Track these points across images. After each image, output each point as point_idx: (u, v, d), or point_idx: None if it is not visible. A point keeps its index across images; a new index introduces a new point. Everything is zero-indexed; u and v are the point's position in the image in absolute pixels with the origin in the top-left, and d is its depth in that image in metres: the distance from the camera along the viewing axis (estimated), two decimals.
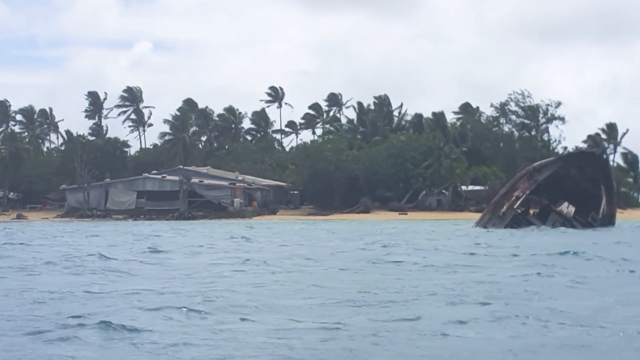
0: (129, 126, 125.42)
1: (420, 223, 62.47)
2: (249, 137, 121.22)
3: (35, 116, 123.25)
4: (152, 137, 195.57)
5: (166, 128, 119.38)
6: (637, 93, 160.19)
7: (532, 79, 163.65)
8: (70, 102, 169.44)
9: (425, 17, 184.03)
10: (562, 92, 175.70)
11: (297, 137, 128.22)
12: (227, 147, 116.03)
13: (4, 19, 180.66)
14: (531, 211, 44.31)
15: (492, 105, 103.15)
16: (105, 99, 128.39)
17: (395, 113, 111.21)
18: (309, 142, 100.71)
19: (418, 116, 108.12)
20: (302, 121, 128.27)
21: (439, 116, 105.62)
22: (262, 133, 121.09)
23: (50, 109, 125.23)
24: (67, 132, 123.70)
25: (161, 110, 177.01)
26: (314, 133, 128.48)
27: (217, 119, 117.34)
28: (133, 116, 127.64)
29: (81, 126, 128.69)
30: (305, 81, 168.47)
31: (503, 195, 43.33)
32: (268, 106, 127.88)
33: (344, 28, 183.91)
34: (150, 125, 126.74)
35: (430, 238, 35.05)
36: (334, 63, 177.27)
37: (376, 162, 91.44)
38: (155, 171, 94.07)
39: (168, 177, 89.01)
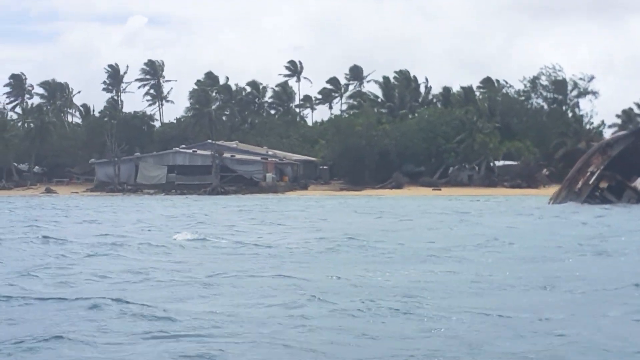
0: (147, 100, 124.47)
1: (469, 199, 61.58)
2: (272, 112, 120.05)
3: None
4: (169, 111, 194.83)
5: (184, 103, 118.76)
6: (632, 69, 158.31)
7: (526, 55, 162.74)
8: (64, 77, 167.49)
9: None
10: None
11: (312, 111, 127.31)
12: (250, 121, 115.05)
13: None
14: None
15: (523, 79, 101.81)
16: (125, 72, 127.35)
17: (421, 88, 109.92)
18: (340, 116, 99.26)
19: (446, 90, 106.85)
20: (319, 96, 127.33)
21: (467, 90, 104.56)
22: (285, 107, 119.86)
23: (67, 83, 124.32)
24: (84, 105, 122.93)
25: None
26: (331, 108, 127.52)
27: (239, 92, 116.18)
28: (149, 90, 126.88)
29: (90, 100, 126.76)
30: (299, 57, 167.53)
31: (577, 170, 42.39)
32: (286, 80, 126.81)
33: (337, 4, 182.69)
34: (169, 100, 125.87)
35: (539, 220, 32.11)
36: (327, 39, 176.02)
37: (407, 136, 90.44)
38: (183, 145, 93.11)
39: (199, 152, 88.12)
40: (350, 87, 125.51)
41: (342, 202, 57.61)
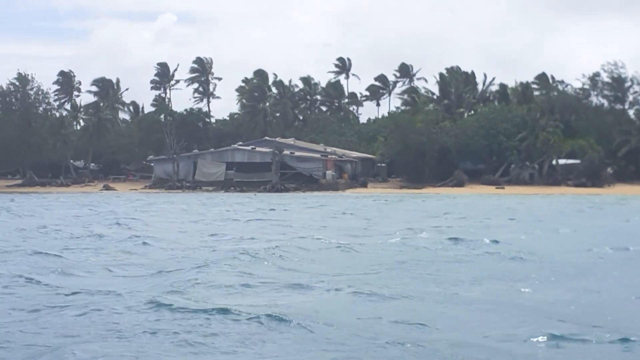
0: (194, 97, 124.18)
1: (564, 199, 60.11)
2: (323, 109, 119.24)
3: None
4: (217, 108, 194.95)
5: (232, 99, 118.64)
6: None
7: (555, 50, 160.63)
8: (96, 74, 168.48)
9: None
10: (586, 65, 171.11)
11: (357, 108, 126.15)
12: (302, 118, 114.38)
13: None
14: None
15: (582, 77, 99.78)
16: (175, 69, 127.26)
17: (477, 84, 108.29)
18: (398, 113, 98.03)
19: (502, 87, 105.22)
20: (367, 93, 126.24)
21: (525, 87, 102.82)
22: (336, 104, 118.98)
23: (118, 79, 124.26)
24: (133, 103, 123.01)
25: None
26: (378, 105, 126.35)
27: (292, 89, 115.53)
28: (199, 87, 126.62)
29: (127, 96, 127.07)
30: (326, 53, 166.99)
31: None
32: (335, 77, 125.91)
33: (363, 0, 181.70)
34: (217, 97, 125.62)
35: None
36: (355, 35, 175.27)
37: (467, 133, 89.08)
38: (240, 142, 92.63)
39: (258, 149, 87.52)
40: (399, 84, 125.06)
41: (424, 200, 56.07)
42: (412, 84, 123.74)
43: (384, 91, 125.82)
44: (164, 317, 10.77)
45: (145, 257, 18.15)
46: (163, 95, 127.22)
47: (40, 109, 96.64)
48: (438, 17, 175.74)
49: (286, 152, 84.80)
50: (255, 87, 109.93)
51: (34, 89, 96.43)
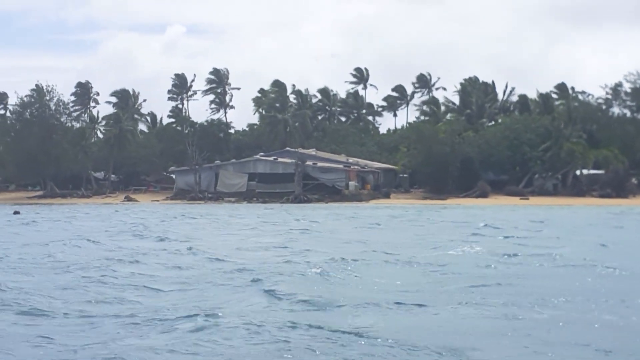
0: (211, 108, 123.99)
1: (600, 210, 59.36)
2: (342, 119, 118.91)
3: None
4: (229, 118, 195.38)
5: (249, 109, 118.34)
6: None
7: (564, 61, 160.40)
8: (106, 86, 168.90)
9: None
10: (595, 75, 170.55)
11: (373, 119, 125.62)
12: (322, 128, 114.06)
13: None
14: None
15: (605, 86, 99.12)
16: (193, 80, 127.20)
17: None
18: (421, 123, 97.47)
19: (523, 97, 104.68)
20: (384, 103, 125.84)
21: (545, 97, 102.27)
22: (355, 115, 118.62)
23: (133, 90, 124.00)
24: (151, 114, 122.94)
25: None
26: (395, 115, 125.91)
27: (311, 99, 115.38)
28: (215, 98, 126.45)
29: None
30: (335, 64, 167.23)
31: None
32: (353, 88, 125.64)
33: (373, 10, 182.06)
34: (232, 106, 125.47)
35: None
36: (363, 46, 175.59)
37: (491, 144, 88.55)
38: (262, 153, 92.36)
39: (280, 159, 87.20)
40: (417, 95, 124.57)
41: (465, 211, 55.12)
42: (430, 94, 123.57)
43: (402, 102, 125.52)
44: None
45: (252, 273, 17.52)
46: (180, 106, 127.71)
47: (62, 119, 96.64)
48: (448, 27, 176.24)
49: (309, 162, 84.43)
50: (276, 97, 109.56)
51: (55, 100, 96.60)
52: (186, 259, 20.82)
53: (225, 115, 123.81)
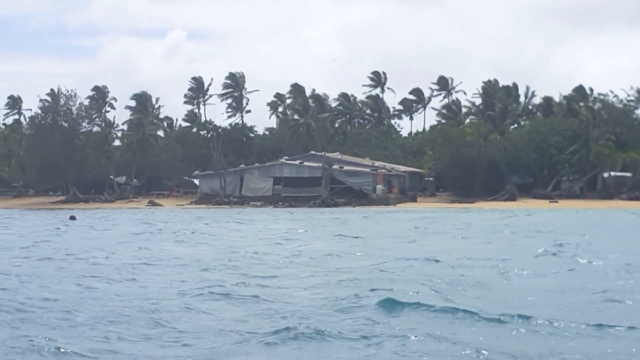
0: (227, 111, 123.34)
1: (624, 213, 58.60)
2: (362, 122, 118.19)
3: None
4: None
5: (264, 113, 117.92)
6: None
7: (566, 64, 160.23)
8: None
9: (455, 1, 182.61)
10: (595, 77, 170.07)
11: (395, 122, 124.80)
12: (342, 131, 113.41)
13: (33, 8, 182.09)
14: None
15: (630, 89, 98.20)
16: (210, 84, 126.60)
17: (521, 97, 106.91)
18: (447, 126, 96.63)
19: (547, 99, 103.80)
20: (400, 107, 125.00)
21: (569, 100, 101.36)
22: (376, 118, 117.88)
23: (149, 96, 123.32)
24: (167, 118, 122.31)
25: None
26: (411, 119, 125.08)
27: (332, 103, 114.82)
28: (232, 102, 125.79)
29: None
30: (336, 68, 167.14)
31: None
32: (370, 91, 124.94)
33: (373, 14, 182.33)
34: (248, 111, 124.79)
35: None
36: (363, 49, 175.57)
37: (518, 147, 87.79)
38: (285, 157, 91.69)
39: (306, 163, 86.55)
40: (436, 98, 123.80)
41: (510, 215, 53.97)
42: (450, 97, 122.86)
43: (419, 105, 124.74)
44: None
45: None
46: (196, 110, 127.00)
47: (83, 124, 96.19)
48: (449, 30, 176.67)
49: (335, 166, 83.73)
50: (296, 101, 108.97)
51: (77, 105, 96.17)
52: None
53: (242, 119, 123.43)
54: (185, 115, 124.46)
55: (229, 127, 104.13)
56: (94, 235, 34.17)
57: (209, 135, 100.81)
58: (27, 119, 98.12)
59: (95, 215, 60.45)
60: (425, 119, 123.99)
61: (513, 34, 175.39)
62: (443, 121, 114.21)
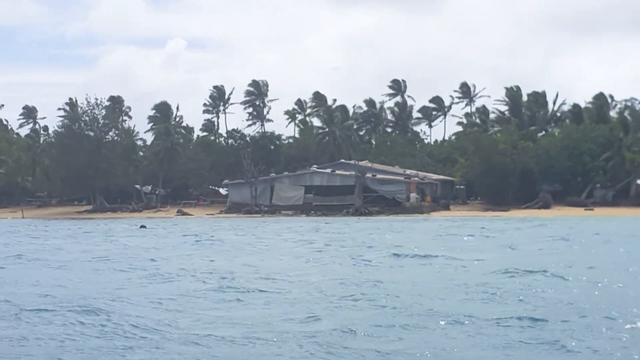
0: (247, 120, 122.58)
1: None
2: (388, 130, 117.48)
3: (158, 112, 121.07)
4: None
5: (280, 121, 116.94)
6: None
7: (565, 72, 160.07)
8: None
9: (454, 10, 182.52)
10: (596, 85, 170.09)
11: (410, 129, 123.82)
12: (367, 139, 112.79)
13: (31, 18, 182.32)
14: None
15: None
16: (231, 93, 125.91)
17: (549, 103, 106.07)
18: (479, 133, 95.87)
19: (576, 106, 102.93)
20: (419, 115, 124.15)
21: (599, 106, 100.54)
22: (401, 126, 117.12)
23: (169, 105, 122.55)
24: (186, 127, 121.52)
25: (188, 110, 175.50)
26: (430, 127, 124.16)
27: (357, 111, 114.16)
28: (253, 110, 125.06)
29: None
30: (337, 77, 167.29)
31: None
32: (390, 99, 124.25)
33: (372, 23, 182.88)
34: (269, 120, 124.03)
35: None
36: (363, 59, 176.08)
37: (550, 154, 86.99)
38: (315, 165, 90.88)
39: (338, 172, 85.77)
40: (457, 105, 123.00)
41: (572, 225, 52.57)
42: (472, 105, 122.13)
43: (439, 112, 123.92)
44: None
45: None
46: (215, 119, 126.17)
47: (110, 133, 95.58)
48: (448, 39, 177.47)
49: (368, 174, 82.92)
50: (326, 110, 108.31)
51: (104, 114, 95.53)
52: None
53: (262, 127, 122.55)
54: (203, 125, 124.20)
55: (256, 135, 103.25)
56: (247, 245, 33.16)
57: (236, 144, 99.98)
58: (55, 128, 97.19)
59: (161, 225, 59.27)
60: (446, 127, 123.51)
61: (513, 42, 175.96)
62: (471, 129, 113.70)
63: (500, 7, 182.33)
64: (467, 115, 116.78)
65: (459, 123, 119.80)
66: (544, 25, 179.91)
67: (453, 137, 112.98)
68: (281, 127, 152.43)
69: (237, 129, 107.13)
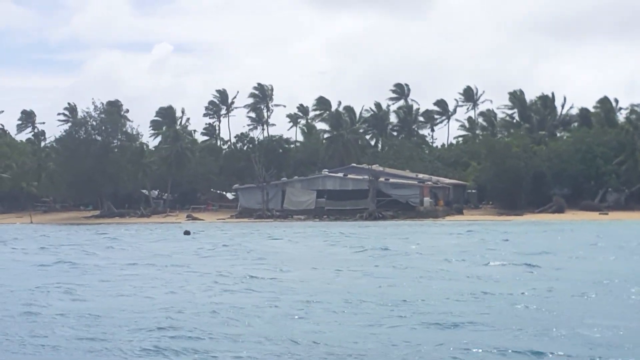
0: (248, 125, 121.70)
1: None
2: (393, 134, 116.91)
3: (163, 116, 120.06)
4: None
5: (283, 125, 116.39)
6: None
7: (549, 76, 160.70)
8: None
9: (440, 14, 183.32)
10: (580, 90, 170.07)
11: (416, 133, 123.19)
12: (374, 143, 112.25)
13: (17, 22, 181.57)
14: None
15: None
16: (235, 96, 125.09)
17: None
18: (491, 137, 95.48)
19: (584, 110, 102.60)
20: (422, 119, 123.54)
21: (607, 110, 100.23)
22: (407, 129, 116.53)
23: (172, 108, 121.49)
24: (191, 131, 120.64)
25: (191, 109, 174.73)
26: (432, 130, 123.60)
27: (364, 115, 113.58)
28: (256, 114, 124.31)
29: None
30: (322, 82, 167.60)
31: None
32: (393, 103, 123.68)
33: (359, 27, 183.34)
34: (272, 124, 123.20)
35: None
36: (350, 63, 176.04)
37: (563, 158, 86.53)
38: (325, 169, 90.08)
39: (350, 176, 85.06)
40: (462, 109, 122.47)
41: (600, 228, 51.95)
42: (475, 109, 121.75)
43: (443, 116, 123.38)
44: None
45: None
46: (216, 123, 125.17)
47: (118, 136, 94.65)
48: (434, 43, 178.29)
49: (381, 178, 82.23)
50: (335, 114, 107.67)
51: (104, 118, 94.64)
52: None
53: (266, 131, 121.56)
54: (204, 128, 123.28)
55: (263, 139, 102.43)
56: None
57: (244, 148, 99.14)
58: (63, 133, 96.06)
59: (208, 231, 58.06)
60: (449, 131, 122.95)
61: (498, 47, 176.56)
62: (474, 133, 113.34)
63: (487, 12, 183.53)
64: (469, 119, 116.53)
65: (461, 127, 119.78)
66: (529, 30, 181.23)
67: (460, 141, 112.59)
68: (282, 131, 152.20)
69: (246, 132, 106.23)
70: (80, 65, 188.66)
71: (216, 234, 52.35)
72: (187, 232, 52.63)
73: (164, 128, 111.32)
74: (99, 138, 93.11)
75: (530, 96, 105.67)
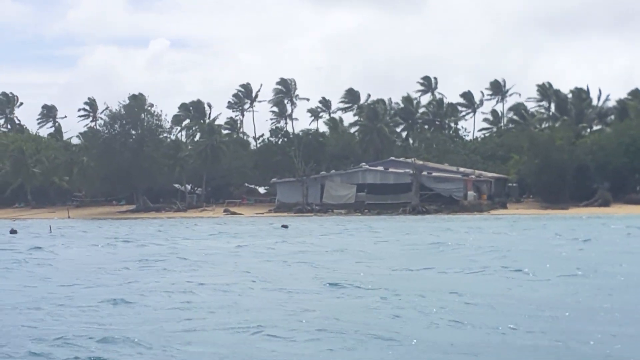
0: (271, 119, 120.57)
1: None
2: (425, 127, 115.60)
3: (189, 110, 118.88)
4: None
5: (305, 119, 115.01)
6: None
7: (546, 71, 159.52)
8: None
9: (436, 10, 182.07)
10: (575, 84, 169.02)
11: (447, 126, 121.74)
12: (405, 136, 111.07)
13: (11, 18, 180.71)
14: None
15: None
16: (259, 90, 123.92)
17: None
18: (532, 130, 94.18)
19: (621, 102, 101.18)
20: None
21: None
22: (439, 122, 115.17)
23: (201, 102, 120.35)
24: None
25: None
26: (456, 123, 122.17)
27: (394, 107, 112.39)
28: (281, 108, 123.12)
29: None
30: (319, 77, 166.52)
31: None
32: (420, 95, 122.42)
33: (355, 23, 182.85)
34: (295, 118, 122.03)
35: None
36: (345, 58, 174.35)
37: (606, 150, 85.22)
38: (363, 163, 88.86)
39: (391, 169, 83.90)
40: (489, 102, 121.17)
41: None
42: (504, 102, 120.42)
43: (469, 109, 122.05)
44: None
45: None
46: (238, 117, 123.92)
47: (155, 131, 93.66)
48: (430, 39, 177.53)
49: (424, 172, 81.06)
50: (371, 106, 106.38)
51: (147, 112, 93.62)
52: None
53: (290, 125, 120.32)
54: (226, 122, 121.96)
55: (300, 132, 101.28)
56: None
57: (280, 142, 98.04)
58: (99, 127, 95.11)
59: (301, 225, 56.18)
60: (475, 124, 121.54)
61: (494, 41, 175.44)
62: (506, 126, 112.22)
63: (481, 7, 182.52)
64: (492, 112, 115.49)
65: (485, 120, 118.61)
66: (525, 24, 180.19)
67: (486, 134, 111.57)
68: (304, 125, 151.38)
69: (281, 126, 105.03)
70: (76, 61, 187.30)
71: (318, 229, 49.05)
72: (284, 226, 51.63)
73: (184, 123, 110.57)
74: (133, 132, 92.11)
75: (530, 91, 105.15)
